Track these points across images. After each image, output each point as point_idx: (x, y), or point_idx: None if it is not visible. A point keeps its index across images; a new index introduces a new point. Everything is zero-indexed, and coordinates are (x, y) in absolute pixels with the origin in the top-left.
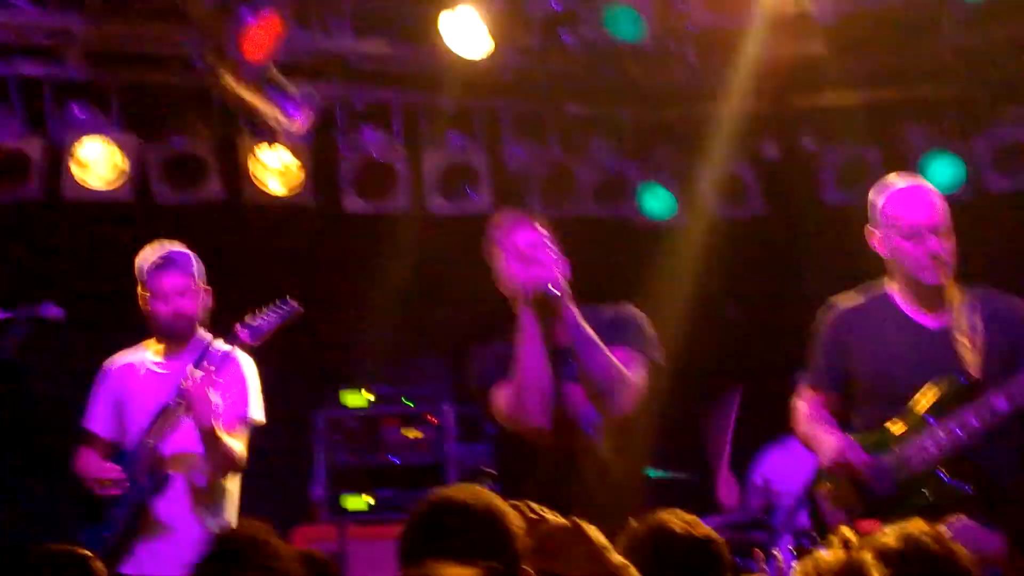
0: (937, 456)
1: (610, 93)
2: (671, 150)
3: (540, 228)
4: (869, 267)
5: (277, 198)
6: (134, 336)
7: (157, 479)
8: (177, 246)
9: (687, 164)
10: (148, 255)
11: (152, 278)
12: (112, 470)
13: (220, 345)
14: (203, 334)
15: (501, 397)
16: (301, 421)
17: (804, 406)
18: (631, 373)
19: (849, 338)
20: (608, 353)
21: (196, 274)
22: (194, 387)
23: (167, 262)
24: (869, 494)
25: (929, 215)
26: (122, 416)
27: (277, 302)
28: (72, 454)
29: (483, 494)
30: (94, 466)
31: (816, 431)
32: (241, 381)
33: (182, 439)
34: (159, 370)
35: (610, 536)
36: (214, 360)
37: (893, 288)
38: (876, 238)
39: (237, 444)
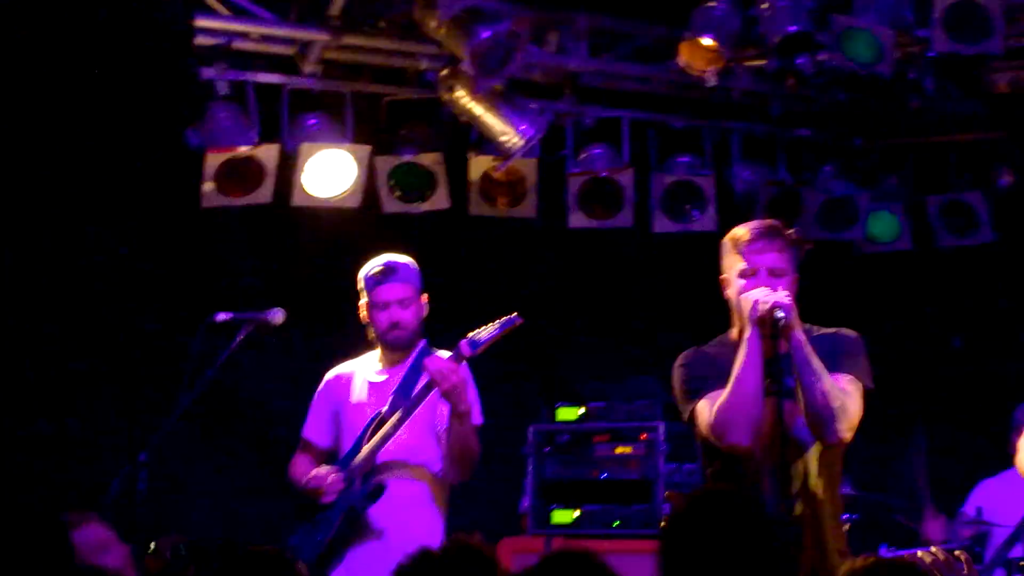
0: None
1: (843, 118)
2: (902, 177)
3: (786, 248)
4: None
5: (501, 211)
6: (355, 343)
7: (371, 487)
8: (399, 257)
9: (917, 191)
10: (370, 265)
11: (373, 288)
12: (331, 478)
13: (442, 354)
14: (420, 341)
15: (707, 408)
16: (514, 433)
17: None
18: (851, 400)
19: None
20: (830, 381)
21: (416, 284)
22: (448, 369)
23: (388, 272)
24: None
25: None
26: (339, 425)
27: (500, 318)
28: (289, 460)
29: None
30: (312, 473)
31: None
32: (469, 386)
33: (396, 448)
34: (378, 378)
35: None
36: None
37: None
38: None
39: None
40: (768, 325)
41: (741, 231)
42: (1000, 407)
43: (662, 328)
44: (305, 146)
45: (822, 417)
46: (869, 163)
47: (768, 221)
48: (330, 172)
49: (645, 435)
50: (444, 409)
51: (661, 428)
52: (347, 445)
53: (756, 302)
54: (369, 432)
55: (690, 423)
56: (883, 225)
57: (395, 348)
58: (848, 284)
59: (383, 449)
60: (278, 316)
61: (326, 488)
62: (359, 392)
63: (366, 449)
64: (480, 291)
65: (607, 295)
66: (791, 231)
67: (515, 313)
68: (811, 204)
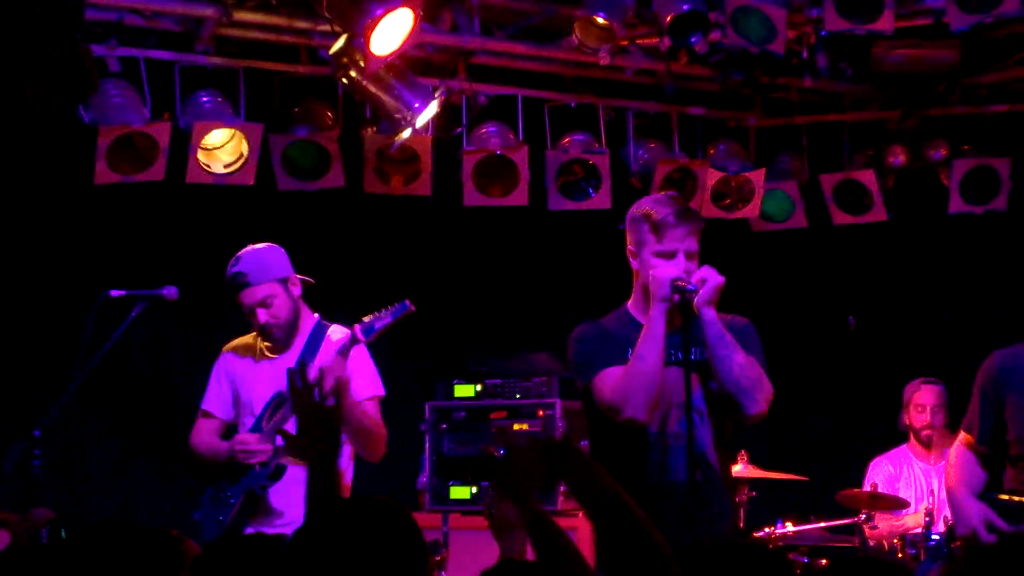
0: None
1: (736, 97)
2: (796, 155)
3: (700, 231)
4: (991, 280)
5: (395, 189)
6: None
7: (272, 468)
8: (249, 253)
9: (811, 169)
10: (228, 270)
11: (233, 297)
12: (258, 441)
13: (335, 329)
14: (310, 318)
15: (607, 383)
16: (412, 410)
17: (957, 457)
18: (765, 378)
19: (1004, 387)
20: (745, 354)
21: (274, 275)
22: (332, 365)
23: (239, 280)
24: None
25: None
26: (237, 400)
27: (393, 303)
28: (188, 432)
29: None
30: (238, 438)
31: (958, 495)
32: (365, 359)
33: (294, 429)
34: (272, 355)
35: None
36: (325, 348)
37: None
38: None
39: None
40: (677, 304)
41: (661, 211)
42: (893, 384)
43: (558, 305)
44: (198, 124)
45: (740, 388)
46: (763, 142)
47: (681, 202)
48: (224, 150)
49: (542, 412)
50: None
51: (558, 405)
52: (247, 422)
53: (670, 282)
54: (268, 412)
55: (584, 396)
56: (777, 204)
57: (277, 341)
58: (743, 262)
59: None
60: (172, 293)
61: (255, 449)
62: (256, 370)
63: (266, 430)
64: (376, 269)
65: (503, 273)
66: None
67: (407, 300)
68: (706, 182)
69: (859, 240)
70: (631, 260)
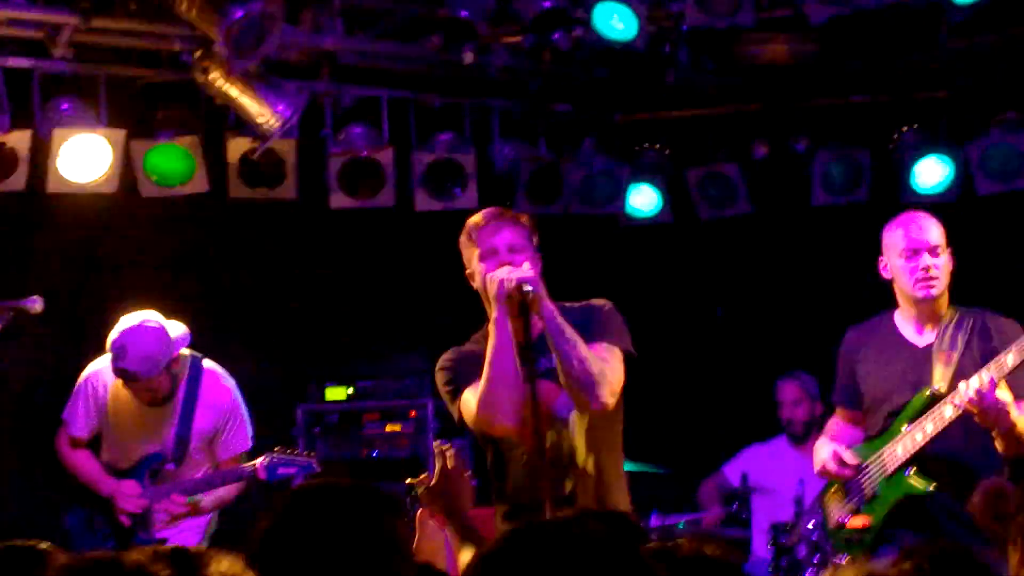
0: (903, 458)
1: (601, 94)
2: (661, 150)
3: (520, 225)
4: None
5: (261, 193)
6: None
7: (153, 541)
8: (137, 342)
9: (676, 164)
10: (113, 358)
11: (119, 378)
12: (135, 503)
13: (212, 369)
14: (184, 362)
15: (471, 398)
16: (283, 415)
17: (829, 423)
18: (610, 367)
19: (855, 358)
20: (586, 348)
21: (163, 366)
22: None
23: (127, 375)
24: (856, 496)
25: (922, 234)
26: (102, 427)
27: (299, 453)
28: (55, 447)
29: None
30: (118, 489)
31: (818, 445)
32: (236, 410)
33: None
34: (151, 409)
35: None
36: (208, 392)
37: (896, 311)
38: (882, 265)
39: (231, 490)
40: (516, 302)
41: (471, 220)
42: (762, 374)
43: (429, 306)
44: (58, 131)
45: (582, 383)
46: (628, 138)
47: (496, 208)
48: (85, 157)
49: (414, 412)
50: (219, 446)
51: (430, 405)
52: (116, 459)
53: (501, 281)
54: (150, 471)
55: (461, 423)
56: (644, 199)
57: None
58: (611, 258)
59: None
60: (37, 304)
61: (128, 511)
62: (136, 415)
63: (147, 491)
64: (242, 274)
65: (372, 274)
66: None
67: (315, 461)
68: (572, 179)
69: (725, 233)
70: (472, 285)
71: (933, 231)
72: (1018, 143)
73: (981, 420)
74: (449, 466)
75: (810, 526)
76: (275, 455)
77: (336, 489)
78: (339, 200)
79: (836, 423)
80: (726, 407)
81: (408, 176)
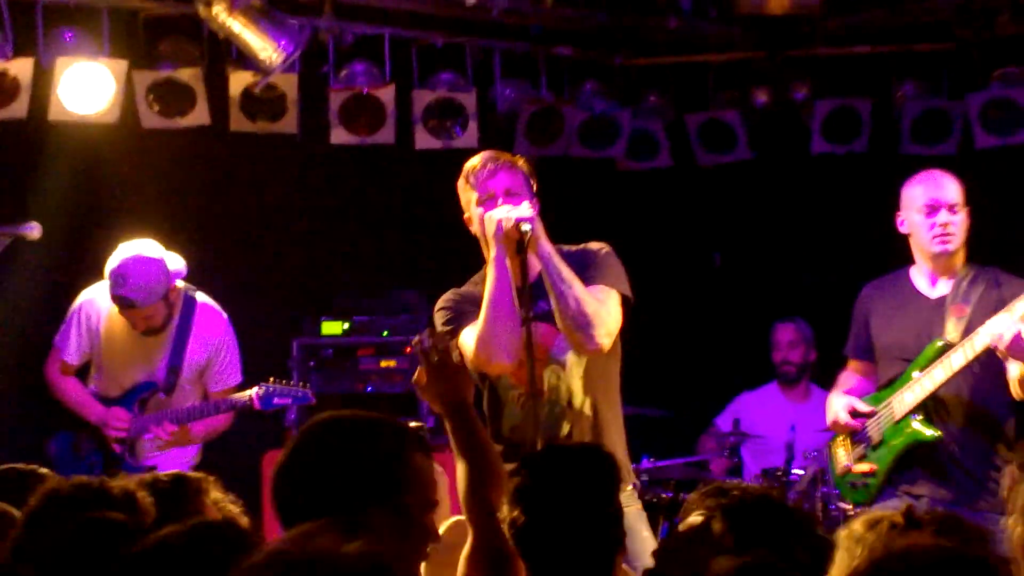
0: (911, 405)
1: (602, 37)
2: (662, 95)
3: (517, 168)
4: (851, 220)
5: (262, 127)
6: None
7: (143, 468)
8: (136, 270)
9: (676, 110)
10: (112, 284)
11: (113, 304)
12: (125, 425)
13: (206, 303)
14: (177, 294)
15: (469, 337)
16: (278, 348)
17: (841, 375)
18: (606, 308)
19: (870, 310)
20: (582, 288)
21: (161, 295)
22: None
23: (125, 303)
24: (864, 443)
25: (941, 192)
26: (94, 353)
27: (294, 384)
28: (44, 372)
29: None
30: (110, 416)
31: (831, 397)
32: (228, 344)
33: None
34: (145, 337)
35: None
36: (201, 325)
37: (912, 267)
38: (900, 220)
39: (222, 420)
40: (514, 241)
41: (468, 164)
42: (758, 320)
43: (425, 243)
44: (61, 60)
45: (577, 324)
46: (629, 82)
47: (492, 151)
48: (87, 87)
49: (409, 348)
50: (209, 378)
51: (424, 341)
52: (108, 388)
53: (499, 220)
54: (140, 399)
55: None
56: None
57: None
58: (609, 202)
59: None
60: (35, 231)
61: (117, 436)
62: (128, 343)
63: (139, 419)
64: (242, 207)
65: (371, 210)
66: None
67: (311, 392)
68: (572, 122)
69: (724, 179)
70: (470, 229)
71: (952, 189)
72: (1019, 97)
73: (1009, 353)
74: (433, 358)
75: (800, 471)
76: (270, 385)
77: (355, 421)
78: (339, 136)
79: (849, 375)
80: (722, 352)
81: (408, 114)
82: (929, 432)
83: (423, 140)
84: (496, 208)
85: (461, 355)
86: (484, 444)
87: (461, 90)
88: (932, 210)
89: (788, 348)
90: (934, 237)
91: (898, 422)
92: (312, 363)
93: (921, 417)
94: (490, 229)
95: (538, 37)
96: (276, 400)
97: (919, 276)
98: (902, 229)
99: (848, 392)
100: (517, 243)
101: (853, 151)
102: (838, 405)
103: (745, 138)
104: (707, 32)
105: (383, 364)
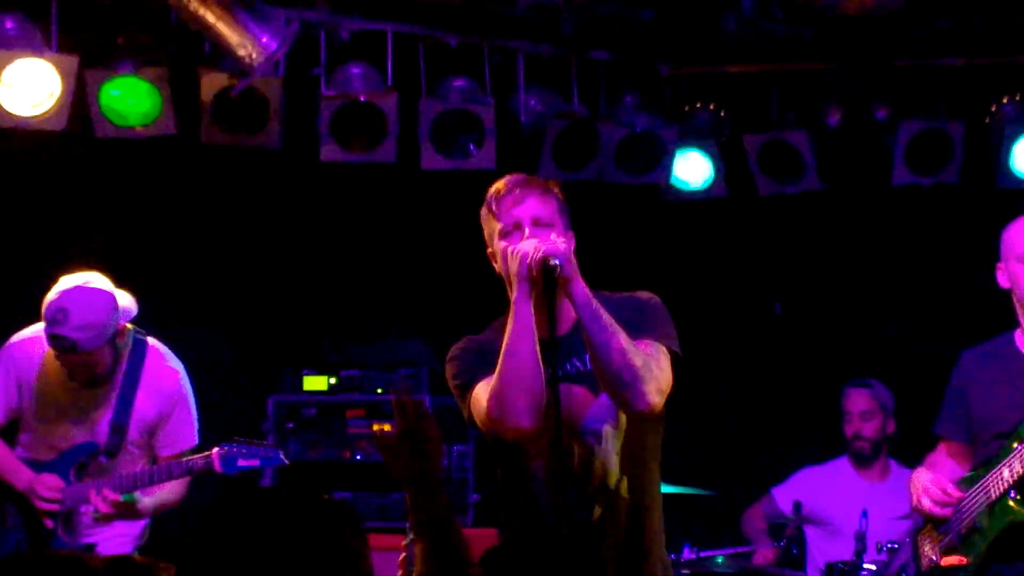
0: (1009, 480)
1: (647, 40)
2: (716, 111)
3: (550, 195)
4: (939, 265)
5: (238, 139)
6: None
7: (80, 547)
8: (79, 307)
9: (733, 128)
10: (49, 323)
11: (49, 347)
12: (55, 495)
13: (159, 351)
14: (126, 337)
15: (483, 394)
16: (250, 407)
17: (929, 457)
18: (656, 362)
19: (969, 382)
20: (627, 338)
21: (108, 337)
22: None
23: (65, 345)
24: (950, 530)
25: None
26: (27, 414)
27: (264, 442)
28: None
29: None
30: (37, 484)
31: (915, 475)
32: (183, 399)
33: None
34: (83, 391)
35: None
36: (153, 376)
37: (1018, 330)
38: (1000, 271)
39: (176, 489)
40: (541, 281)
41: (492, 188)
42: (825, 383)
43: (432, 284)
44: (1, 55)
45: (623, 379)
46: (678, 94)
47: (522, 174)
48: (30, 86)
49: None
50: (160, 439)
51: (427, 401)
52: (40, 451)
53: (524, 255)
54: (78, 464)
55: (471, 424)
56: (693, 168)
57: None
58: (652, 237)
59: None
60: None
61: (48, 508)
62: (60, 396)
63: (74, 487)
64: (210, 235)
65: (367, 243)
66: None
67: (282, 452)
68: (609, 140)
69: (788, 212)
70: (494, 267)
71: None
72: None
73: None
74: (410, 417)
75: (872, 567)
76: (234, 444)
77: (269, 496)
78: (331, 152)
79: (939, 458)
80: (781, 420)
81: (414, 128)
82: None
83: (431, 159)
84: (522, 242)
85: (472, 417)
86: (448, 525)
87: (477, 100)
88: None
89: (862, 418)
90: None
91: (994, 503)
92: (291, 425)
93: (1020, 496)
94: (513, 266)
95: (570, 38)
96: (241, 462)
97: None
98: (1003, 283)
99: (922, 470)
100: (544, 283)
101: (942, 182)
102: (923, 487)
103: (814, 164)
104: (772, 36)
105: (376, 428)
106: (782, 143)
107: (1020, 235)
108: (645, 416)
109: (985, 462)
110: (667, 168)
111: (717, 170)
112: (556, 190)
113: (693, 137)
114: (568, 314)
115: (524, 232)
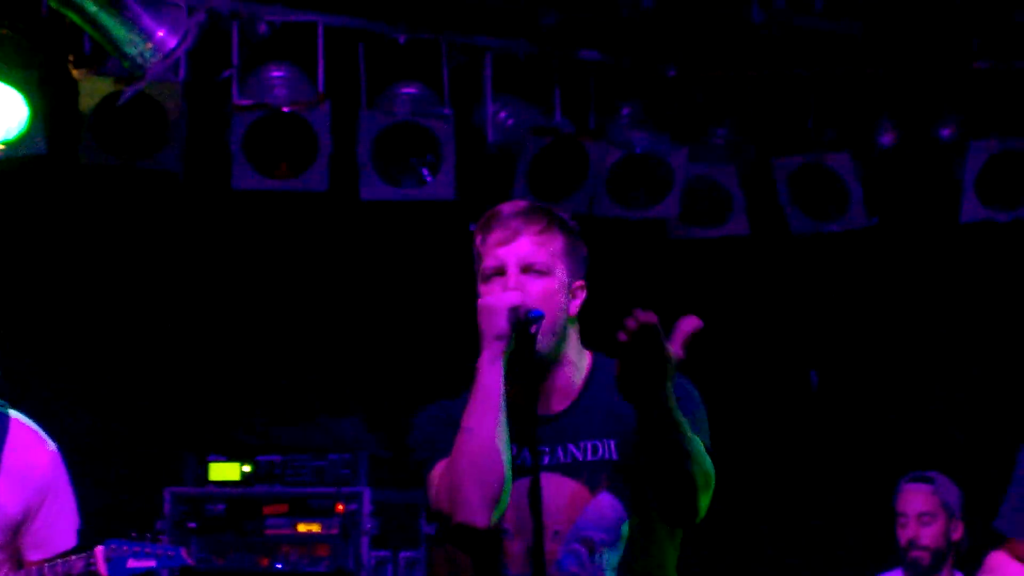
0: None
1: (649, 36)
2: (736, 127)
3: (554, 231)
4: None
5: (131, 160)
6: None
7: None
8: None
9: (759, 148)
10: None
11: None
12: None
13: (22, 424)
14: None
15: (436, 476)
16: (142, 501)
17: (991, 559)
18: (708, 463)
19: None
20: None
21: None
22: None
23: None
24: None
25: None
26: None
27: (162, 540)
28: None
29: None
30: None
31: None
32: (58, 488)
33: None
34: None
35: None
36: (17, 459)
37: None
38: None
39: None
40: (519, 336)
41: (485, 215)
42: (875, 477)
43: (372, 347)
44: None
45: (686, 489)
46: (688, 105)
47: (527, 203)
48: None
49: (342, 506)
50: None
51: (366, 496)
52: None
53: (496, 306)
54: None
55: (437, 514)
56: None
57: None
58: (655, 286)
59: None
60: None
61: None
62: None
63: None
64: (91, 281)
65: (290, 294)
66: (561, 214)
67: (185, 550)
68: (601, 164)
69: (827, 255)
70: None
71: None
72: None
73: None
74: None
75: None
76: (123, 542)
77: None
78: (245, 178)
79: (1004, 561)
80: (819, 520)
81: (352, 147)
82: None
83: (372, 188)
84: (497, 288)
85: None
86: None
87: (432, 112)
88: None
89: (920, 522)
90: None
91: None
92: (193, 524)
93: None
94: (484, 321)
95: (551, 34)
96: (133, 563)
97: None
98: None
99: None
100: (518, 343)
101: (1021, 218)
102: None
103: (861, 195)
104: (810, 32)
105: (301, 528)
106: (820, 168)
107: None
108: (686, 526)
109: None
110: (675, 199)
111: (736, 202)
112: (566, 227)
113: (707, 160)
114: (565, 385)
115: (508, 279)
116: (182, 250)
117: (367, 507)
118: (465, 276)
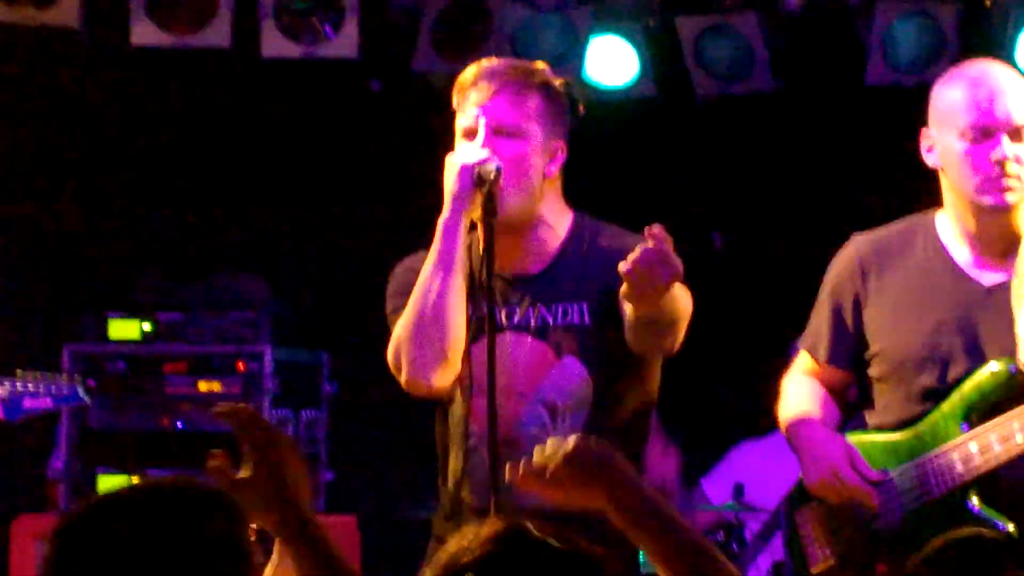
0: (966, 478)
1: None
2: None
3: (531, 91)
4: (919, 186)
5: (28, 16)
6: None
7: None
8: None
9: (663, 8)
10: None
11: None
12: None
13: None
14: None
15: (393, 331)
16: (40, 358)
17: (795, 386)
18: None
19: (867, 290)
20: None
21: None
22: None
23: None
24: (867, 524)
25: (999, 106)
26: None
27: (58, 376)
28: None
29: None
30: None
31: (803, 428)
32: None
33: None
34: None
35: None
36: None
37: (942, 220)
38: (926, 145)
39: None
40: (483, 197)
41: (462, 75)
42: (775, 337)
43: (273, 202)
44: None
45: (667, 322)
46: None
47: (508, 61)
48: None
49: (243, 364)
50: None
51: (268, 354)
52: None
53: (463, 167)
54: None
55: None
56: (612, 59)
57: None
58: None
59: None
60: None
61: None
62: None
63: None
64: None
65: (191, 151)
66: (549, 73)
67: (80, 387)
68: (504, 23)
69: (734, 118)
70: None
71: (1018, 102)
72: None
73: None
74: (260, 442)
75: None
76: (17, 380)
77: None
78: (144, 34)
79: (806, 385)
80: (719, 379)
81: (253, 4)
82: (996, 525)
83: (274, 45)
84: (466, 148)
85: None
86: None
87: None
88: (984, 135)
89: None
90: (986, 180)
91: (937, 500)
92: (92, 383)
93: (979, 498)
94: (449, 179)
95: None
96: (29, 403)
97: (957, 242)
98: (929, 160)
99: (817, 423)
100: (484, 202)
101: (928, 82)
102: (835, 453)
103: (767, 57)
104: None
105: (202, 387)
106: (727, 28)
107: (958, 100)
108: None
109: (908, 422)
110: (578, 60)
111: (643, 63)
112: (547, 86)
113: (612, 19)
114: (541, 246)
115: (480, 135)
116: (82, 105)
117: (269, 366)
118: (366, 135)
